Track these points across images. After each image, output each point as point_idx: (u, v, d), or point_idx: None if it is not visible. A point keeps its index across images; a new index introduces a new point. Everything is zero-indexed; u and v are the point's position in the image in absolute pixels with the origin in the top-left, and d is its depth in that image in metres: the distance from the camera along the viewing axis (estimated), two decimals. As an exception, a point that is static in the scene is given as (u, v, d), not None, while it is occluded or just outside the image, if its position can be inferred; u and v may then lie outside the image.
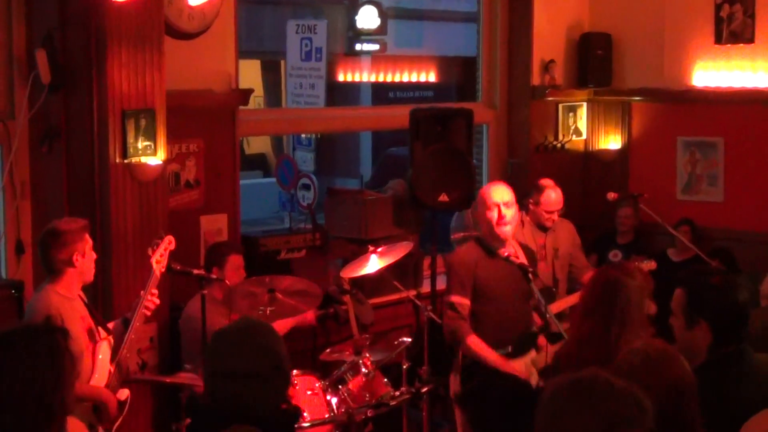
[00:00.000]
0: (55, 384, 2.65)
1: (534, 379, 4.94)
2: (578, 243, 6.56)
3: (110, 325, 4.64)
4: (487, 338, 5.06)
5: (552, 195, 6.29)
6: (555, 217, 6.31)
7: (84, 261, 4.43)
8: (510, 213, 5.11)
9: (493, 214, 5.10)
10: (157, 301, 4.64)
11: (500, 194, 5.17)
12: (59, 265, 4.39)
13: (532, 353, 5.07)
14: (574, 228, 6.58)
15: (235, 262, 5.44)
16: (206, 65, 5.89)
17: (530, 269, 4.90)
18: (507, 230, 5.12)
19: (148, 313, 4.60)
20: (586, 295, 3.91)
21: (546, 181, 6.38)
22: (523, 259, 5.11)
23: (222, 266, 5.39)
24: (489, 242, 5.15)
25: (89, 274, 4.51)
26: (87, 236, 4.47)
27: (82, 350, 4.27)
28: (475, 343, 5.06)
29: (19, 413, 2.59)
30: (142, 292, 4.58)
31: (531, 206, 6.37)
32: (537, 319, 5.17)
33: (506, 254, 4.98)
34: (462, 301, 5.11)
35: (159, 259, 4.64)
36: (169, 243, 4.71)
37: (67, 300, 4.37)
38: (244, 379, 2.57)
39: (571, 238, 6.51)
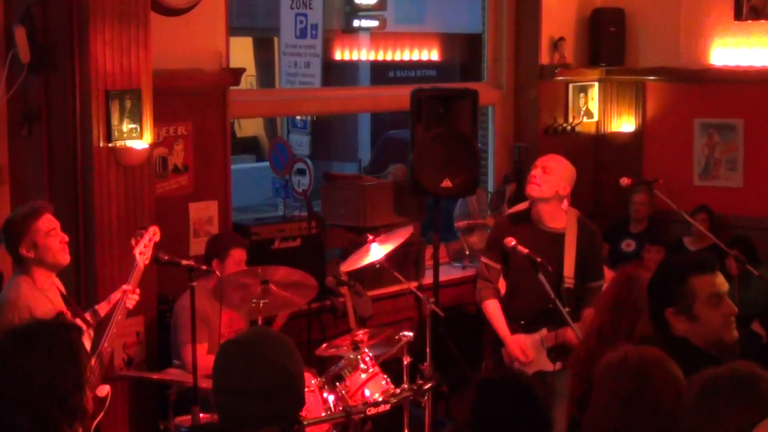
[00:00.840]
0: (76, 384, 2.64)
1: (543, 357, 5.15)
2: None
3: (88, 316, 4.64)
4: (513, 306, 5.25)
5: None
6: None
7: (39, 251, 4.36)
8: (543, 178, 5.15)
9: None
10: (137, 297, 4.61)
11: (542, 159, 5.31)
12: (17, 258, 4.42)
13: (543, 331, 5.15)
14: None
15: (237, 256, 5.41)
16: (195, 43, 5.89)
17: (538, 260, 4.93)
18: (531, 189, 5.20)
19: (130, 307, 4.60)
20: (604, 293, 4.22)
21: None
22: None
23: (223, 259, 5.38)
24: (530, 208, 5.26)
25: (56, 259, 4.41)
26: (36, 225, 4.36)
27: None
28: (490, 308, 5.31)
29: (41, 415, 2.58)
30: (124, 285, 4.58)
31: None
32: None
33: (512, 243, 5.03)
34: (490, 263, 5.34)
35: (143, 251, 4.60)
36: (153, 234, 4.67)
37: (38, 291, 4.36)
38: (250, 396, 2.51)
39: None
